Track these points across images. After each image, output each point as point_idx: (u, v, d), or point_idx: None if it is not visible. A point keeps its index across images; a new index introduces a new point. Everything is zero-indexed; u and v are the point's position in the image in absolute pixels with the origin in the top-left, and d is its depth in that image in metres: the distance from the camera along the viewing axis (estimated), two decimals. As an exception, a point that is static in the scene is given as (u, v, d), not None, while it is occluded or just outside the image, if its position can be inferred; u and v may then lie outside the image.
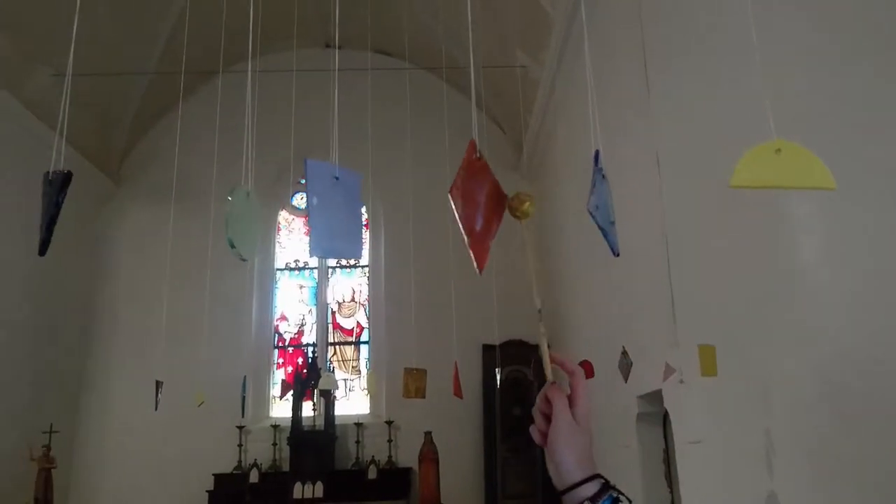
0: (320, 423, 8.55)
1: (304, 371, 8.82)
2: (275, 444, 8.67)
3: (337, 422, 8.63)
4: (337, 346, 9.72)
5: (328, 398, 8.54)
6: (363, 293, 9.86)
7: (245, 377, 6.54)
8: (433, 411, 7.67)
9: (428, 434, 8.21)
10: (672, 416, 4.40)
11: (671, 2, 4.16)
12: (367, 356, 9.63)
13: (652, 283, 4.32)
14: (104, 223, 9.64)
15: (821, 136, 2.40)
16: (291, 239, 10.15)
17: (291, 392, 8.59)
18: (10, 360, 7.66)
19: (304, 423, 8.57)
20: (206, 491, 8.33)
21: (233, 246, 1.42)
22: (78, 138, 8.19)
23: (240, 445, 8.64)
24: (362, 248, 9.44)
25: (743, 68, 3.02)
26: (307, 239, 1.17)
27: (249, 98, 2.88)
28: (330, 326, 9.76)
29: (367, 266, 9.89)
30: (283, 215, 10.20)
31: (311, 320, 9.79)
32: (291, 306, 9.86)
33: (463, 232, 1.12)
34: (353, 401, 9.37)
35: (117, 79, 8.45)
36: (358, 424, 8.76)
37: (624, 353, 4.19)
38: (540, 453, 1.07)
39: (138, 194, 9.68)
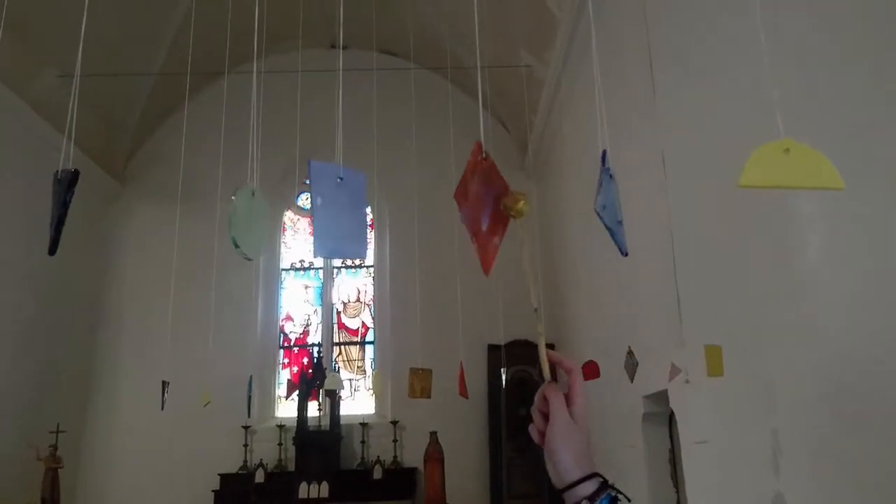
0: (326, 423, 8.56)
1: (310, 371, 8.83)
2: (280, 444, 8.68)
3: (342, 422, 8.64)
4: (342, 346, 9.73)
5: (333, 398, 8.55)
6: (368, 293, 9.87)
7: (251, 377, 6.56)
8: (438, 411, 7.66)
9: (433, 434, 8.20)
10: (678, 417, 4.39)
11: (676, 1, 4.15)
12: (372, 356, 9.63)
13: (658, 282, 4.31)
14: (110, 224, 9.67)
15: (821, 136, 2.39)
16: (297, 239, 10.16)
17: (297, 392, 8.60)
18: (17, 360, 7.69)
19: (310, 423, 8.58)
20: (212, 491, 8.35)
21: (237, 246, 1.42)
22: (84, 139, 8.21)
23: (245, 445, 8.66)
24: (367, 249, 9.44)
25: (748, 68, 3.02)
26: (312, 239, 1.17)
27: (255, 98, 2.89)
28: (335, 326, 9.77)
29: (372, 266, 9.90)
30: (289, 215, 10.21)
31: (316, 320, 9.80)
32: (297, 306, 9.87)
33: (469, 234, 1.12)
34: (358, 401, 9.38)
35: (123, 80, 8.47)
36: (363, 424, 8.77)
37: (630, 353, 4.18)
38: (543, 453, 1.07)
39: (144, 195, 9.71)
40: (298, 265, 10.06)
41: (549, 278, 8.35)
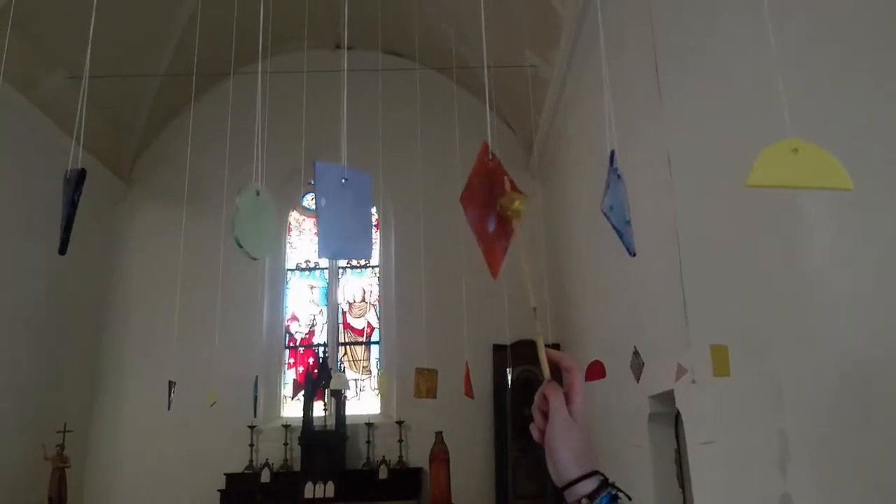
0: (331, 423, 8.57)
1: (315, 371, 8.85)
2: (286, 444, 8.70)
3: (348, 422, 8.64)
4: (347, 347, 9.74)
5: (339, 398, 8.55)
6: (374, 293, 9.88)
7: (257, 377, 6.56)
8: (444, 411, 7.67)
9: (439, 434, 8.21)
10: (684, 417, 4.38)
11: (681, 1, 4.14)
12: (377, 356, 9.64)
13: (664, 283, 4.30)
14: (116, 225, 9.71)
15: (822, 136, 2.39)
16: (302, 239, 10.17)
17: (302, 392, 8.61)
18: (24, 360, 7.73)
19: (315, 423, 8.59)
20: (218, 490, 8.37)
21: (240, 245, 1.41)
22: (90, 140, 8.24)
23: (251, 445, 8.68)
24: (372, 249, 9.46)
25: (754, 68, 3.01)
26: (317, 240, 1.17)
27: (260, 99, 2.89)
28: (340, 327, 9.78)
29: (377, 266, 9.91)
30: (294, 216, 10.23)
31: (321, 320, 9.81)
32: (302, 307, 9.88)
33: (476, 237, 1.11)
34: (363, 401, 9.38)
35: (130, 81, 8.50)
36: (369, 424, 8.77)
37: (636, 353, 4.18)
38: (544, 451, 1.08)
39: (150, 196, 9.74)
40: (304, 265, 10.07)
41: (555, 278, 8.34)
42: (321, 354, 9.07)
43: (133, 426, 8.89)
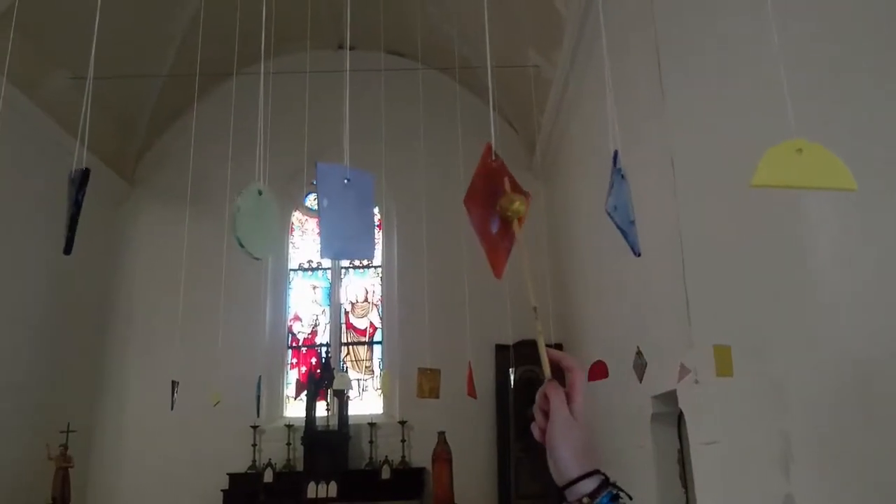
0: (334, 422, 8.57)
1: (318, 371, 8.85)
2: (289, 444, 8.70)
3: (350, 422, 8.65)
4: (350, 347, 9.75)
5: (342, 398, 8.56)
6: (376, 293, 9.88)
7: (260, 377, 6.57)
8: (446, 411, 7.67)
9: (441, 434, 8.21)
10: (687, 417, 4.38)
11: (684, 1, 4.14)
12: (380, 356, 9.64)
13: (667, 283, 4.30)
14: (120, 225, 9.72)
15: (823, 136, 2.39)
16: (305, 240, 10.18)
17: (305, 392, 8.62)
18: (27, 360, 7.74)
19: (318, 422, 8.60)
20: (221, 490, 8.38)
21: (241, 245, 1.40)
22: (93, 141, 8.25)
23: (254, 445, 8.68)
24: (375, 249, 9.46)
25: (757, 68, 3.00)
26: (319, 240, 1.17)
27: (262, 100, 2.89)
28: (343, 327, 9.79)
29: (380, 266, 9.91)
30: (297, 216, 10.24)
31: (324, 320, 9.82)
32: (305, 307, 9.89)
33: (479, 238, 1.11)
34: (366, 401, 9.39)
35: (133, 82, 8.51)
36: (371, 424, 8.77)
37: (639, 353, 4.17)
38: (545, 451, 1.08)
39: (153, 196, 9.76)
40: (306, 265, 10.08)
41: (558, 278, 8.33)
42: (324, 354, 9.07)
43: (136, 426, 8.90)
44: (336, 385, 6.83)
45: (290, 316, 9.81)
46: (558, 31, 6.88)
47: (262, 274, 9.29)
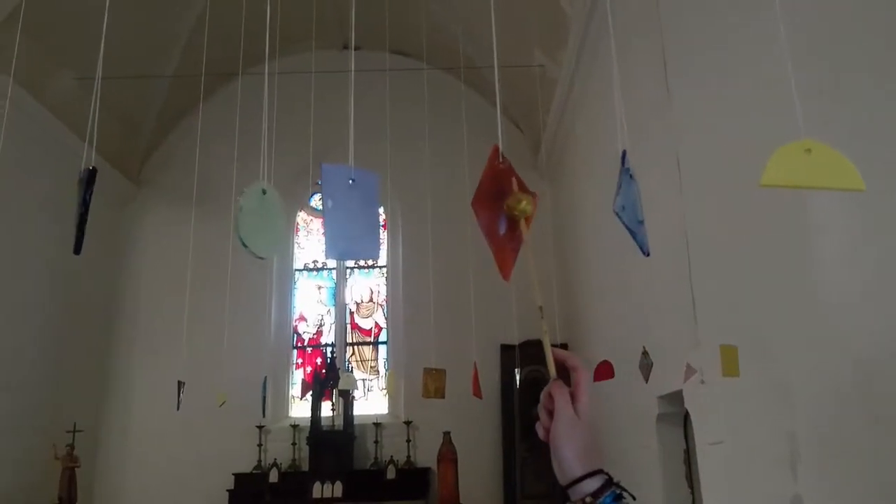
0: (339, 423, 8.58)
1: (323, 371, 8.86)
2: (294, 444, 8.71)
3: (356, 422, 8.66)
4: (355, 347, 9.75)
5: (347, 398, 8.56)
6: (381, 293, 9.89)
7: (265, 377, 6.58)
8: (451, 411, 7.67)
9: (446, 434, 8.20)
10: (693, 417, 4.36)
11: (689, 0, 4.12)
12: (385, 356, 9.65)
13: (673, 282, 4.28)
14: (125, 226, 9.75)
15: (824, 136, 2.38)
16: (310, 240, 10.19)
17: (310, 392, 8.62)
18: (34, 360, 7.77)
19: (323, 422, 8.60)
20: (227, 490, 8.40)
21: (245, 245, 1.40)
22: (99, 141, 8.17)
23: (259, 445, 8.70)
24: (380, 249, 9.46)
25: (763, 68, 2.99)
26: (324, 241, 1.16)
27: (266, 100, 2.90)
28: (348, 327, 9.79)
29: (385, 266, 9.91)
30: (302, 216, 10.25)
31: (329, 321, 9.82)
32: (310, 307, 9.90)
33: (486, 240, 1.11)
34: (371, 401, 9.39)
35: (138, 82, 8.53)
36: (376, 424, 8.78)
37: (644, 353, 4.16)
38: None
39: (159, 197, 9.78)
40: (311, 266, 10.09)
41: (563, 278, 8.32)
42: (329, 354, 9.08)
43: (142, 426, 8.93)
44: (341, 385, 6.82)
45: (296, 316, 9.82)
46: (563, 31, 6.86)
47: (268, 274, 9.30)
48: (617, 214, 1.29)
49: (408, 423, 8.71)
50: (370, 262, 9.92)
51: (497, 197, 1.12)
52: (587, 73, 6.69)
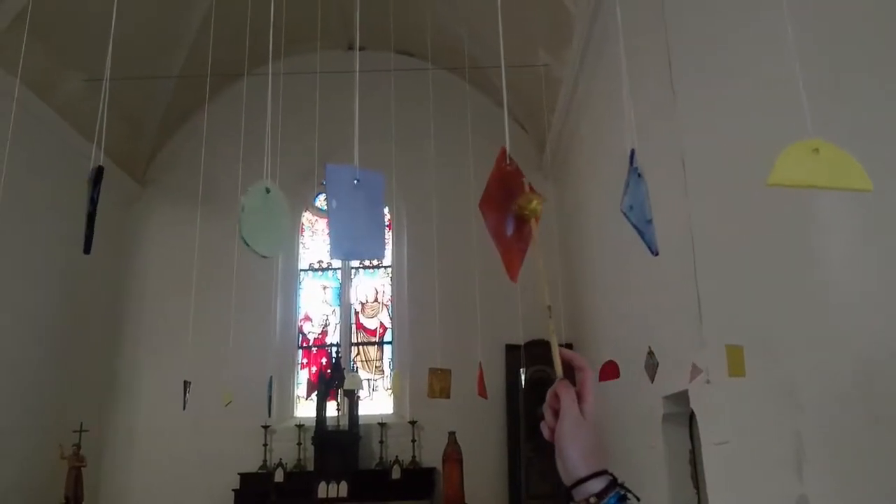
0: (344, 422, 8.59)
1: (328, 371, 8.87)
2: (299, 444, 8.73)
3: (361, 422, 8.66)
4: (360, 347, 9.76)
5: (352, 398, 8.57)
6: (386, 293, 9.89)
7: (271, 377, 6.59)
8: (457, 411, 7.67)
9: (452, 434, 8.21)
10: (699, 417, 4.35)
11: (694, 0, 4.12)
12: (390, 356, 9.65)
13: (678, 283, 4.28)
14: (131, 226, 9.78)
15: (824, 136, 2.37)
16: (315, 240, 10.20)
17: (316, 392, 8.63)
18: (40, 360, 7.79)
19: (329, 422, 8.61)
20: (232, 490, 8.41)
21: (247, 244, 1.40)
22: (105, 141, 8.29)
23: (265, 445, 8.71)
24: (384, 249, 9.47)
25: (769, 68, 2.98)
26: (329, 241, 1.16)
27: (270, 100, 2.90)
28: (353, 327, 9.80)
29: (390, 266, 9.92)
30: (307, 216, 10.26)
31: (334, 321, 9.84)
32: (315, 307, 9.91)
33: (494, 241, 1.11)
34: (376, 401, 9.40)
35: (144, 83, 8.56)
36: (382, 424, 8.79)
37: (650, 353, 4.16)
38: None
39: (164, 197, 9.81)
40: (317, 266, 10.10)
41: (568, 278, 8.32)
42: (334, 354, 9.09)
43: (148, 426, 8.95)
44: (346, 385, 6.84)
45: (301, 316, 9.84)
46: (568, 30, 6.85)
47: (273, 274, 9.32)
48: (625, 214, 1.28)
49: (413, 423, 8.71)
50: (375, 262, 9.93)
51: (505, 199, 1.12)
52: (592, 73, 6.68)
